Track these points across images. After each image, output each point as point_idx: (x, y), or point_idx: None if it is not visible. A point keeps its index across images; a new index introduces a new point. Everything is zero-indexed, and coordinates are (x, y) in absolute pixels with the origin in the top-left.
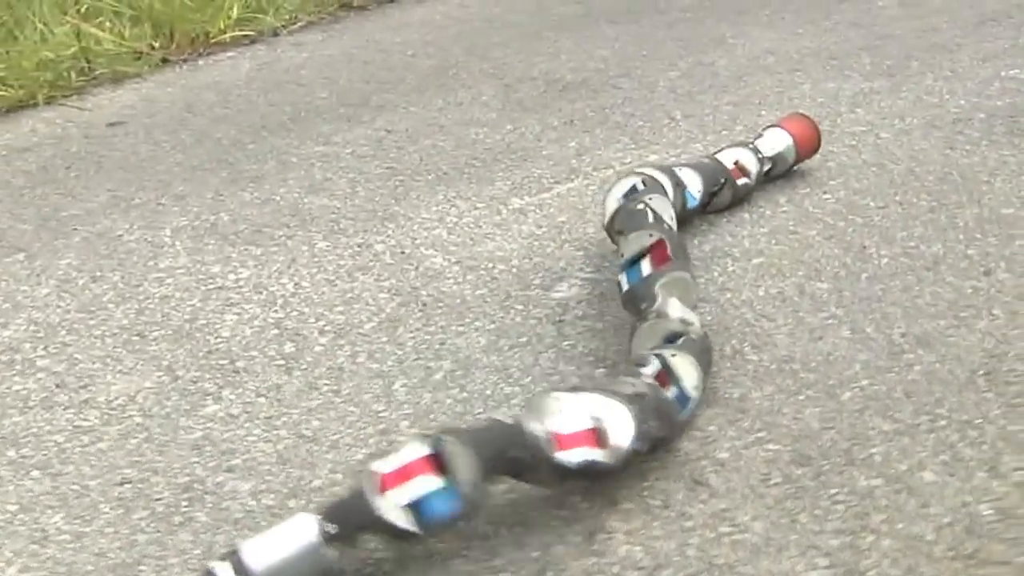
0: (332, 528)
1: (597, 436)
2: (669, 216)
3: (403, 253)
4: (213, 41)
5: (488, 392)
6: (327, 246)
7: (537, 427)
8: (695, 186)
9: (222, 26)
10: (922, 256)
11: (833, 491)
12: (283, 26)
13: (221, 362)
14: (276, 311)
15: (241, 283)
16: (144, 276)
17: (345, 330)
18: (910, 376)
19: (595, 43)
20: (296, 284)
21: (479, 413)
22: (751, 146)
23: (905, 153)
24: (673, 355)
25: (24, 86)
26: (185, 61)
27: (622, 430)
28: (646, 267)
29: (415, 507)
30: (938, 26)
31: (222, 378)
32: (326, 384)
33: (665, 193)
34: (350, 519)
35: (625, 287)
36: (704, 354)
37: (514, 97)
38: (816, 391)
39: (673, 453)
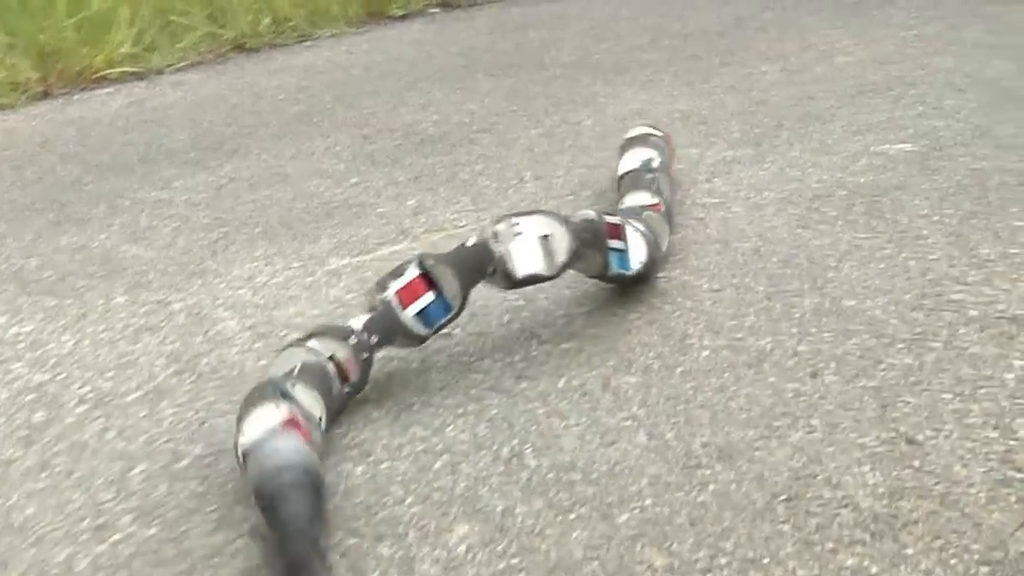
0: (375, 338)
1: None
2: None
3: (199, 314)
4: (98, 76)
5: (228, 485)
6: (125, 301)
7: (500, 247)
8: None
9: (109, 61)
10: (747, 350)
11: None
12: (169, 65)
13: None
14: (43, 372)
15: (20, 338)
16: None
17: (106, 399)
18: (701, 497)
19: (467, 96)
20: (76, 343)
21: (212, 510)
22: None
23: (754, 230)
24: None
25: None
26: (65, 95)
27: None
28: None
29: (422, 315)
30: (815, 95)
31: None
32: (60, 463)
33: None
34: (385, 327)
35: None
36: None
37: (368, 149)
38: (590, 509)
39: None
